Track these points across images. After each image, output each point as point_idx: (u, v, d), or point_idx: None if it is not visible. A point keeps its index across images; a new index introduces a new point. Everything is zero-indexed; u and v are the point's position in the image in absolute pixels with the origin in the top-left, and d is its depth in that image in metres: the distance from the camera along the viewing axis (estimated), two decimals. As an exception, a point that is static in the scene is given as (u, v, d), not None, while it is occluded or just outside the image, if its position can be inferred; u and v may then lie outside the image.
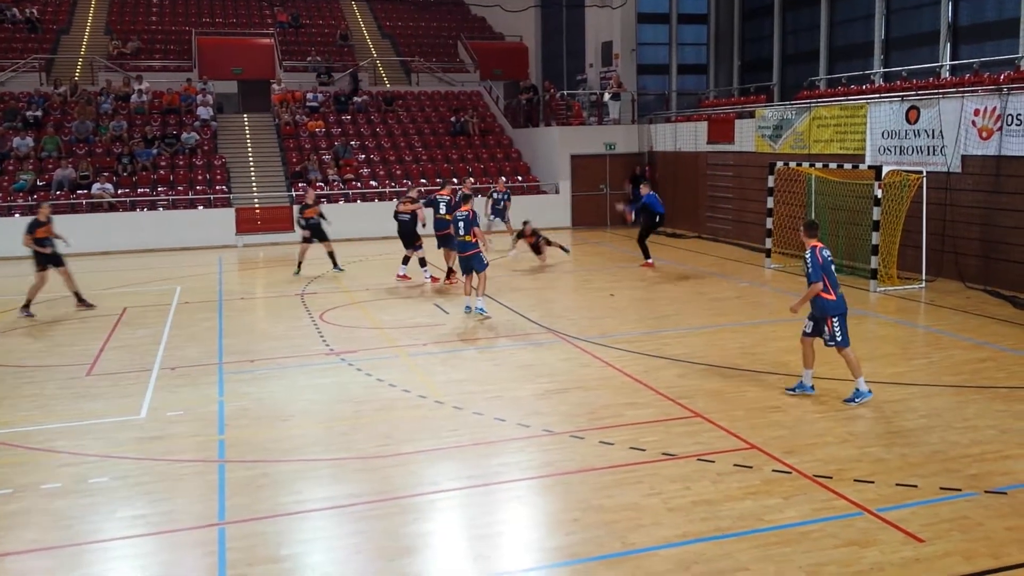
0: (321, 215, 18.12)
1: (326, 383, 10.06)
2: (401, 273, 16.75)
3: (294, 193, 24.38)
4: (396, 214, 16.75)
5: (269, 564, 5.84)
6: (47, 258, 14.40)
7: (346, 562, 5.89)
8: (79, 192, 23.08)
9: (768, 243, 17.77)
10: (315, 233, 18.04)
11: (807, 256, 8.82)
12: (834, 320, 8.75)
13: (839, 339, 8.76)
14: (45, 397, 9.74)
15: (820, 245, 8.87)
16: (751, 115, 21.17)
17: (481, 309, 12.97)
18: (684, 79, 30.57)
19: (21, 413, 9.19)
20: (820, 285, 8.65)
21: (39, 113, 25.60)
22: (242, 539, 6.18)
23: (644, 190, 18.31)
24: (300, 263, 18.14)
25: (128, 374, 10.60)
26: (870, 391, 8.81)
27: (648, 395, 9.25)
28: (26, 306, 14.24)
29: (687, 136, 23.93)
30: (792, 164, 17.57)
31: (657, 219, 17.90)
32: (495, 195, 21.03)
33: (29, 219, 14.95)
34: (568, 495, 6.82)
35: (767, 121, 20.34)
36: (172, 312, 14.41)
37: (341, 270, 18.28)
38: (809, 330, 8.99)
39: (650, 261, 17.94)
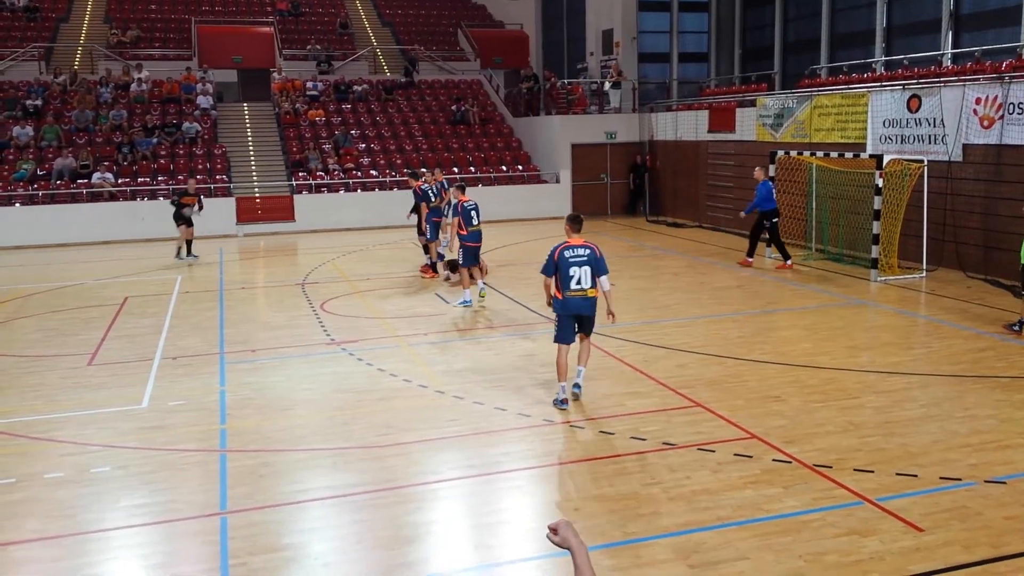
0: (200, 206, 18.68)
1: (327, 373, 10.08)
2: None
3: (294, 182, 24.37)
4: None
5: (271, 553, 5.86)
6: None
7: (347, 551, 5.92)
8: (79, 181, 23.06)
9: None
10: (180, 218, 18.48)
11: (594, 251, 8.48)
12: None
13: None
14: (47, 387, 9.76)
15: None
16: (752, 104, 21.12)
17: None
18: (685, 67, 30.44)
19: (23, 403, 9.21)
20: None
21: (39, 102, 25.54)
22: (244, 528, 6.21)
23: (759, 175, 16.42)
24: (189, 244, 18.72)
25: (129, 364, 10.62)
26: (562, 400, 8.49)
27: (648, 385, 9.26)
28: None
29: (688, 125, 23.86)
30: (793, 153, 17.53)
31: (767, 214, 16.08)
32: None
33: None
34: (569, 484, 6.85)
35: (768, 110, 20.29)
36: (173, 302, 14.41)
37: (195, 257, 18.75)
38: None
39: (789, 263, 15.97)
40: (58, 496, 6.81)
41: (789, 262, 16.13)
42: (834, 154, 16.41)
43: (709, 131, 22.85)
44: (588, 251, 8.54)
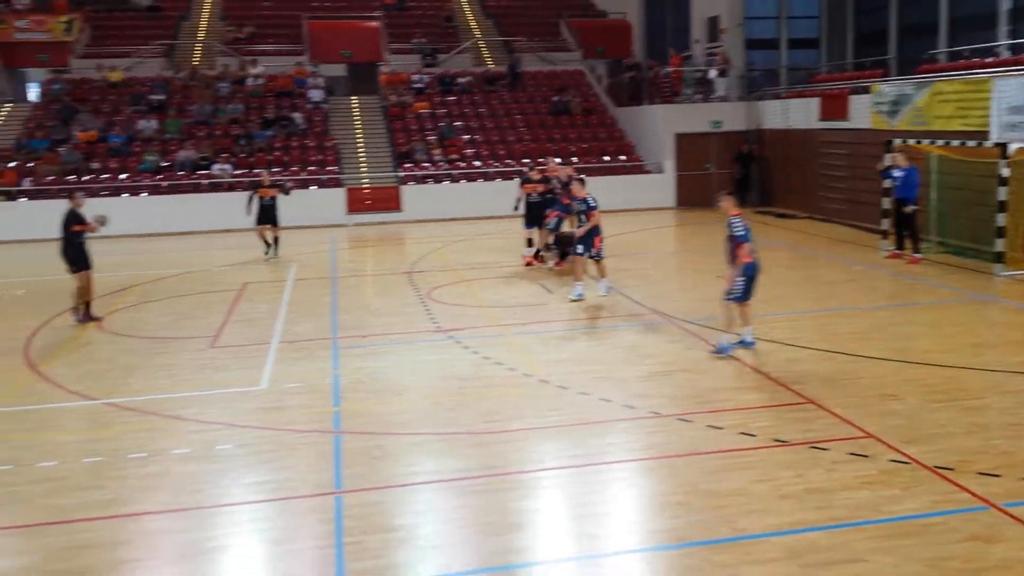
0: (283, 192, 18.29)
1: (433, 359, 10.29)
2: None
3: (401, 173, 24.88)
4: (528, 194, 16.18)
5: (384, 533, 6.05)
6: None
7: (455, 535, 6.05)
8: (200, 172, 24.20)
9: (884, 224, 17.05)
10: (266, 215, 18.04)
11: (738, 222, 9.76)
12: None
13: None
14: (174, 367, 10.31)
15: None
16: (866, 91, 20.30)
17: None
18: (794, 54, 29.46)
19: (153, 382, 9.77)
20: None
21: (162, 97, 26.89)
22: (358, 508, 6.43)
23: (902, 161, 15.49)
24: (267, 242, 18.22)
25: (249, 347, 11.11)
26: (753, 340, 9.99)
27: (757, 379, 9.09)
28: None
29: (798, 113, 23.15)
30: (911, 141, 16.78)
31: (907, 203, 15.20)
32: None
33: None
34: (675, 478, 6.80)
35: (884, 97, 19.47)
36: (289, 288, 14.98)
37: (275, 256, 18.06)
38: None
39: (917, 256, 15.28)
40: (186, 471, 7.21)
41: (919, 256, 15.33)
42: (955, 142, 15.63)
43: (820, 119, 22.11)
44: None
